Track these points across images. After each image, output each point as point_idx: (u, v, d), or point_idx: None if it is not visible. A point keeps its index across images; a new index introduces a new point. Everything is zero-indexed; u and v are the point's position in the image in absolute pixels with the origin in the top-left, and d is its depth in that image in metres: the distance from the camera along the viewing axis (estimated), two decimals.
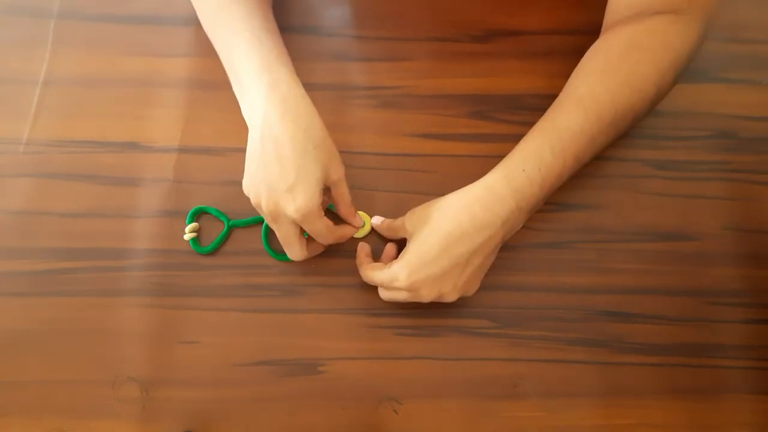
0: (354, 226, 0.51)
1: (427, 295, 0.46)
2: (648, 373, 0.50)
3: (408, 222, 0.49)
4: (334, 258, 0.53)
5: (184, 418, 0.48)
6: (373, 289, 0.51)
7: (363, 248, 0.52)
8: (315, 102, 0.57)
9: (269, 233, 0.53)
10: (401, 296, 0.47)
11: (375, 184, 0.55)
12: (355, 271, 0.52)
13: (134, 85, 0.58)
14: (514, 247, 0.53)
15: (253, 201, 0.46)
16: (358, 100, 0.57)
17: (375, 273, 0.48)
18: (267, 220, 0.47)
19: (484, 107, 0.57)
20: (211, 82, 0.58)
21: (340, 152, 0.54)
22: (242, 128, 0.56)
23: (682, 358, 0.50)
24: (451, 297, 0.47)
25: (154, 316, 0.50)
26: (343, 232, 0.50)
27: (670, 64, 0.48)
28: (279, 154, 0.44)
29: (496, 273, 0.52)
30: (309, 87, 0.58)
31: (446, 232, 0.45)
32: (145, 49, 0.59)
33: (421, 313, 0.51)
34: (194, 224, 0.53)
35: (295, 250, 0.48)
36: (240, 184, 0.54)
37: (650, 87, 0.48)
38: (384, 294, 0.49)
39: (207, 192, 0.54)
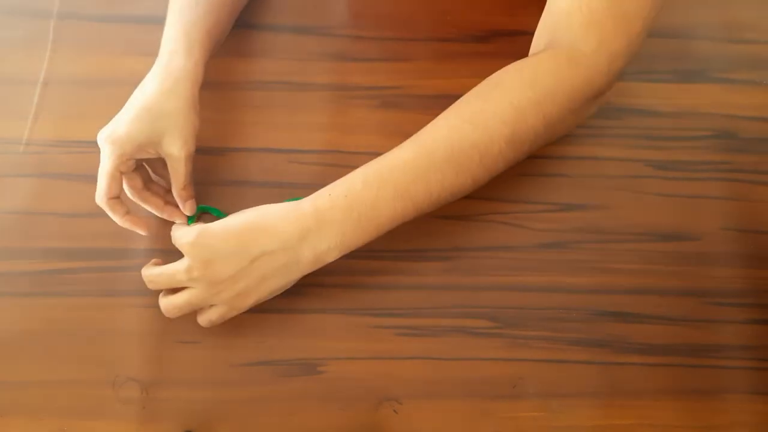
0: (181, 213, 0.50)
1: (221, 272, 0.44)
2: (648, 373, 0.50)
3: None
4: None
5: (184, 418, 0.48)
6: (373, 289, 0.51)
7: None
8: (315, 102, 0.57)
9: None
10: (214, 312, 0.47)
11: None
12: (354, 271, 0.52)
13: (134, 85, 0.57)
14: (514, 247, 0.53)
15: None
16: (358, 100, 0.57)
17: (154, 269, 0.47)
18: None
19: None
20: (211, 82, 0.58)
21: (339, 152, 0.54)
22: (242, 128, 0.56)
23: (682, 358, 0.50)
24: (230, 295, 0.46)
25: (154, 316, 0.50)
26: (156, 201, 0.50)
27: (533, 103, 0.46)
28: (132, 103, 0.48)
29: (496, 273, 0.52)
30: (309, 87, 0.58)
31: (240, 221, 0.45)
32: (145, 49, 0.59)
33: (421, 313, 0.51)
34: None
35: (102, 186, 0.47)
36: (240, 184, 0.55)
37: (500, 125, 0.46)
38: (201, 318, 0.47)
39: (207, 192, 0.54)
